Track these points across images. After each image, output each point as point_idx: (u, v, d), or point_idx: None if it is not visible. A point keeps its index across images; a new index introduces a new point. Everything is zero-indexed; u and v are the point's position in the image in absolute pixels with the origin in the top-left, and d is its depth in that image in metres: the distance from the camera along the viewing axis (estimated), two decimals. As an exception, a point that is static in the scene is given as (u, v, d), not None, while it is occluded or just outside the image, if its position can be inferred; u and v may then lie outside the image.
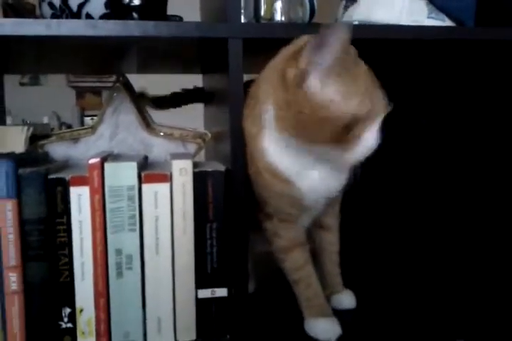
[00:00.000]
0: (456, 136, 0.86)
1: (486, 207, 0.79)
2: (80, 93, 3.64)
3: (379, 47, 0.75)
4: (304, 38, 0.61)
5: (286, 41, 0.65)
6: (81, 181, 0.62)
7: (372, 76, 0.60)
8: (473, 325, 0.75)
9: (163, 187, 0.64)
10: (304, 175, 0.64)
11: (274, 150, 0.64)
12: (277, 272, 0.83)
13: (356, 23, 0.69)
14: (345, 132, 0.57)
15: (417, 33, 0.66)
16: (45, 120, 2.73)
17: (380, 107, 0.59)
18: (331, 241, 0.78)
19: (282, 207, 0.68)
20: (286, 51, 0.62)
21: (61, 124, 3.21)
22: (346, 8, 0.74)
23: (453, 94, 0.87)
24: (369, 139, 0.59)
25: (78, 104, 3.61)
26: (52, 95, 3.60)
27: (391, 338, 0.71)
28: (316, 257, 0.77)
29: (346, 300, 0.78)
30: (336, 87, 0.57)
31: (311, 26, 0.66)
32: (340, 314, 0.72)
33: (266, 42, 0.65)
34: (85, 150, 0.79)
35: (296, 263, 0.71)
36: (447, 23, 0.70)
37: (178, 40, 0.62)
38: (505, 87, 0.73)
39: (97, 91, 3.58)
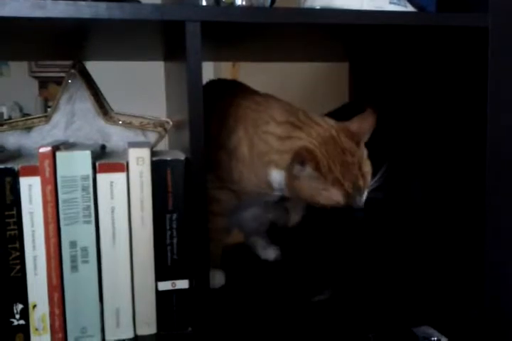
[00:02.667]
0: (417, 124, 0.86)
1: (448, 204, 0.79)
2: (43, 83, 3.53)
3: (341, 33, 0.74)
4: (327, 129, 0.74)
5: (246, 26, 0.64)
6: (31, 171, 0.59)
7: (356, 156, 0.74)
8: (437, 311, 0.75)
9: (119, 177, 0.61)
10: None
11: (275, 175, 0.76)
12: (248, 265, 0.83)
13: (318, 7, 0.67)
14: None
15: (379, 19, 0.65)
16: (4, 110, 2.63)
17: (364, 186, 0.74)
18: None
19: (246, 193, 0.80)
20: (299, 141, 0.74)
21: (23, 115, 3.11)
22: (309, -7, 0.72)
23: (414, 79, 0.86)
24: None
25: (41, 94, 3.51)
26: (14, 85, 3.48)
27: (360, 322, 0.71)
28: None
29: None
30: (321, 187, 0.71)
31: (271, 11, 0.65)
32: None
33: (225, 26, 0.63)
34: (39, 140, 0.76)
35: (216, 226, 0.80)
36: (409, 8, 0.69)
37: (133, 23, 0.59)
38: (465, 73, 0.73)
39: (60, 82, 3.48)
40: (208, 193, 0.79)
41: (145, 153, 0.62)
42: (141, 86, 1.87)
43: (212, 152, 0.79)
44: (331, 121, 0.77)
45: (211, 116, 0.82)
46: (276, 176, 0.76)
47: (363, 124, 0.75)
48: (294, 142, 0.74)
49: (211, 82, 0.96)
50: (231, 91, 0.87)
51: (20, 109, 3.25)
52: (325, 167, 0.71)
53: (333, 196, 0.71)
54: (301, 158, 0.70)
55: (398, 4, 0.69)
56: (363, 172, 0.73)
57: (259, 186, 0.79)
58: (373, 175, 0.74)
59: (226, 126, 0.80)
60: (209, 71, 2.26)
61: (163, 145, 0.84)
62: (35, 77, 3.59)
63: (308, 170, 0.70)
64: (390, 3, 0.68)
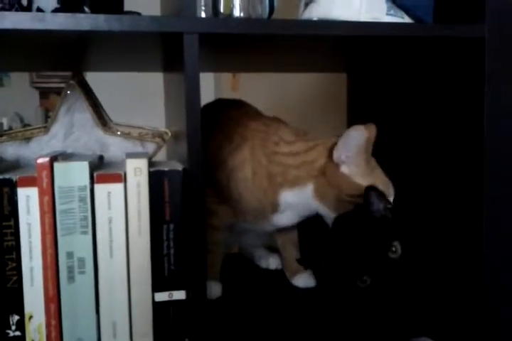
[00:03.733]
0: (414, 134, 0.86)
1: (445, 217, 0.79)
2: (44, 94, 3.55)
3: (338, 44, 0.74)
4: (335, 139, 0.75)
5: (244, 37, 0.64)
6: (29, 182, 0.59)
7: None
8: (436, 322, 0.75)
9: (116, 188, 0.61)
10: (290, 211, 0.80)
11: (289, 200, 0.77)
12: (246, 275, 0.82)
13: (316, 19, 0.68)
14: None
15: (376, 30, 0.65)
16: (4, 120, 2.64)
17: (391, 191, 0.76)
18: (293, 234, 0.91)
19: (247, 213, 0.81)
20: (329, 142, 0.76)
21: (24, 126, 3.13)
22: (307, 5, 0.73)
23: (411, 89, 0.87)
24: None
25: (42, 105, 3.52)
26: (15, 96, 3.50)
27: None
28: (279, 249, 0.92)
29: (308, 278, 0.88)
30: (362, 173, 0.73)
31: (269, 23, 0.65)
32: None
33: (223, 37, 0.63)
34: (38, 150, 0.76)
35: (215, 239, 0.83)
36: (406, 19, 0.70)
37: (132, 35, 0.60)
38: (463, 83, 0.73)
39: (61, 92, 3.50)
40: (207, 207, 0.80)
41: (142, 164, 0.62)
42: (141, 97, 1.88)
43: (213, 169, 0.80)
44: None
45: (214, 134, 0.83)
46: (288, 196, 0.77)
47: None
48: (311, 152, 0.76)
49: (217, 101, 0.97)
50: (237, 112, 0.88)
51: (21, 120, 3.27)
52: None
53: (376, 182, 0.72)
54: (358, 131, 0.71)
55: (395, 15, 0.69)
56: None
57: (260, 207, 0.79)
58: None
59: (230, 145, 0.81)
60: (209, 82, 2.27)
61: (161, 156, 0.84)
62: (36, 88, 3.62)
63: (361, 149, 0.72)
64: (387, 14, 0.69)
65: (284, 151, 0.78)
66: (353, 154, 0.72)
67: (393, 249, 0.67)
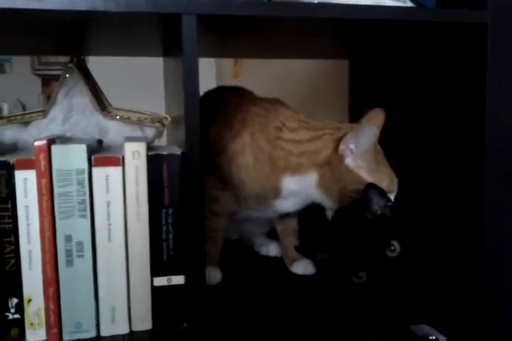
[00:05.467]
0: (416, 121, 0.85)
1: (445, 203, 0.79)
2: (46, 81, 3.54)
3: (339, 28, 0.73)
4: (352, 126, 0.74)
5: (244, 19, 0.63)
6: (27, 164, 0.59)
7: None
8: (436, 309, 0.75)
9: (114, 171, 0.61)
10: (292, 198, 0.79)
11: (291, 187, 0.76)
12: (246, 262, 0.82)
13: (316, 1, 0.67)
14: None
15: (377, 13, 0.64)
16: (5, 107, 2.64)
17: (395, 187, 0.75)
18: (293, 221, 0.91)
19: (249, 199, 0.81)
20: (337, 133, 0.74)
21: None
22: (308, -13, 0.72)
23: (413, 75, 0.86)
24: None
25: (44, 92, 3.52)
26: (17, 83, 3.49)
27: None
28: (279, 236, 0.92)
29: (307, 266, 0.88)
30: (367, 168, 0.71)
31: (270, 5, 0.64)
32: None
33: (223, 19, 0.62)
34: (37, 134, 0.76)
35: (216, 225, 0.83)
36: (408, 4, 0.68)
37: (128, 16, 0.59)
38: (464, 69, 0.72)
39: (63, 79, 3.49)
40: (209, 193, 0.80)
41: (141, 147, 0.62)
42: (141, 82, 1.87)
43: (214, 156, 0.79)
44: (345, 125, 0.77)
45: (215, 121, 0.82)
46: (290, 183, 0.76)
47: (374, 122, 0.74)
48: (316, 143, 0.75)
49: (218, 88, 0.96)
50: (238, 97, 0.87)
51: (23, 107, 3.26)
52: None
53: (382, 178, 0.71)
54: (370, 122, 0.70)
55: (397, 0, 0.68)
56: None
57: (262, 193, 0.79)
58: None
59: (230, 131, 0.80)
60: (211, 69, 2.26)
61: (163, 143, 0.84)
62: (38, 75, 3.60)
63: (368, 141, 0.70)
64: (390, -2, 0.68)
65: (287, 138, 0.77)
66: (362, 149, 0.71)
67: (392, 247, 0.67)
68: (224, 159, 0.79)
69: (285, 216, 0.89)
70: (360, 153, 0.71)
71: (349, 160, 0.71)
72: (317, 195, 0.75)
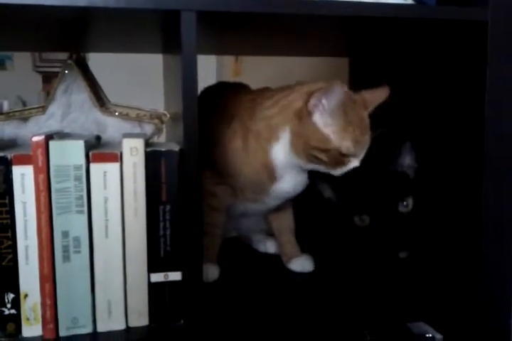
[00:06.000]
0: (416, 117, 0.85)
1: (444, 201, 0.79)
2: (47, 78, 3.54)
3: (340, 25, 0.73)
4: (320, 85, 0.73)
5: (244, 16, 0.63)
6: (24, 160, 0.59)
7: (365, 120, 0.74)
8: (432, 307, 0.75)
9: (112, 167, 0.61)
10: (287, 177, 0.78)
11: (282, 157, 0.75)
12: (244, 259, 0.82)
13: (316, -1, 0.67)
14: (336, 159, 0.72)
15: (378, 11, 0.64)
16: (5, 104, 2.64)
17: (359, 152, 0.73)
18: (289, 217, 0.91)
19: (245, 189, 0.80)
20: (306, 88, 0.74)
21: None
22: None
23: (413, 73, 0.86)
24: (352, 165, 0.74)
25: (45, 89, 3.51)
26: (18, 80, 3.49)
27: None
28: (274, 233, 0.92)
29: (305, 263, 0.87)
30: (334, 127, 0.70)
31: (269, 1, 0.64)
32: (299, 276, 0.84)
33: (222, 16, 0.62)
34: (36, 130, 0.76)
35: (214, 220, 0.83)
36: (409, 1, 0.68)
37: (128, 12, 0.59)
38: (465, 67, 0.72)
39: (63, 76, 3.48)
40: (206, 188, 0.80)
41: (139, 144, 0.62)
42: (141, 78, 1.87)
43: (210, 150, 0.80)
44: (320, 83, 0.76)
45: (211, 116, 0.82)
46: (278, 153, 0.75)
47: (375, 95, 0.76)
48: (289, 96, 0.74)
49: (218, 84, 0.96)
50: (234, 91, 0.87)
51: (24, 104, 3.25)
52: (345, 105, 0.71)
53: (345, 139, 0.70)
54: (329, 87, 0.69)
55: (398, -3, 0.68)
56: (368, 131, 0.74)
57: (255, 179, 0.79)
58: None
59: (223, 122, 0.81)
60: (212, 65, 2.26)
61: (162, 139, 0.84)
62: (39, 72, 3.60)
63: (339, 100, 0.69)
64: (390, -4, 0.68)
65: (267, 105, 0.77)
66: (331, 107, 0.70)
67: (405, 203, 0.65)
68: (218, 150, 0.80)
69: (280, 211, 0.89)
70: (330, 111, 0.70)
71: (317, 117, 0.71)
72: (296, 161, 0.75)
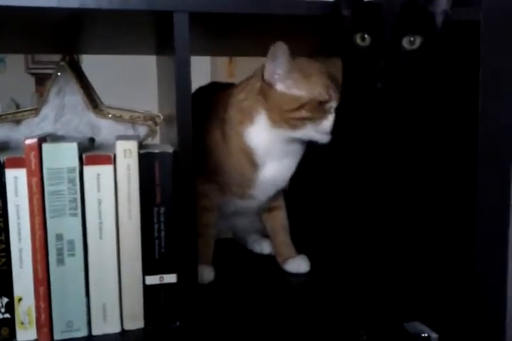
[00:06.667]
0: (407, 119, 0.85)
1: (438, 203, 0.79)
2: (40, 80, 3.52)
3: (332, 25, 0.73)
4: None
5: (236, 17, 0.63)
6: (17, 163, 0.59)
7: (325, 73, 0.76)
8: (428, 307, 0.75)
9: (106, 170, 0.61)
10: (269, 164, 0.79)
11: (258, 140, 0.77)
12: (239, 260, 0.82)
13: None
14: (317, 111, 0.73)
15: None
16: (-1, 106, 2.64)
17: (333, 94, 0.75)
18: (282, 216, 0.91)
19: (231, 183, 0.81)
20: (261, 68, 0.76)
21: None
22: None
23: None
24: (332, 115, 0.75)
25: (38, 91, 3.49)
26: (10, 82, 3.47)
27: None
28: (269, 233, 0.92)
29: (300, 264, 0.87)
30: (298, 84, 0.73)
31: (261, 2, 0.64)
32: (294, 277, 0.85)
33: (215, 17, 0.62)
34: (28, 133, 0.75)
35: (206, 221, 0.82)
36: (402, 1, 0.68)
37: (121, 13, 0.59)
38: (457, 66, 0.72)
39: (57, 77, 3.46)
40: (197, 188, 0.80)
41: (132, 146, 0.61)
42: (134, 80, 1.86)
43: (198, 148, 0.80)
44: None
45: (200, 115, 0.82)
46: (255, 134, 0.77)
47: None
48: (252, 80, 0.78)
49: (210, 84, 0.96)
50: (221, 90, 0.87)
51: (17, 106, 3.23)
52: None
53: (314, 88, 0.73)
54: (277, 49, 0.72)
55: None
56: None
57: (238, 169, 0.79)
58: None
59: (207, 120, 0.82)
60: (206, 67, 2.26)
61: (156, 141, 0.84)
62: (32, 74, 3.58)
63: (284, 59, 0.72)
64: (383, -4, 0.67)
65: (235, 92, 0.80)
66: (282, 69, 0.73)
67: (412, 38, 0.64)
68: (204, 148, 0.80)
69: (274, 210, 0.89)
70: (283, 73, 0.73)
71: (278, 84, 0.73)
72: (277, 137, 0.76)
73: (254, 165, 0.78)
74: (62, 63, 0.76)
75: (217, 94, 0.86)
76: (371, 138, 0.77)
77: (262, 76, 0.74)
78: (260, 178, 0.80)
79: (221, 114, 0.80)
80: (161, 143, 0.86)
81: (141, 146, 0.64)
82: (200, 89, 0.93)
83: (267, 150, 0.78)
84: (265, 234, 0.97)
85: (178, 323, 0.65)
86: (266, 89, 0.74)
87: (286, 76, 0.73)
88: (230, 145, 0.78)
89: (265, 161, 0.78)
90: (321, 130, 0.74)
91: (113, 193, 0.61)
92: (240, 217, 0.92)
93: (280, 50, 0.72)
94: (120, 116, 0.78)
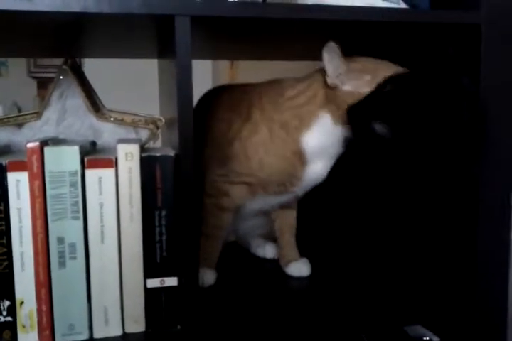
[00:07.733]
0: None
1: (439, 206, 0.79)
2: (42, 83, 3.53)
3: (333, 29, 0.73)
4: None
5: (238, 21, 0.63)
6: (19, 166, 0.59)
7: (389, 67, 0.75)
8: (430, 310, 0.75)
9: (107, 173, 0.61)
10: (317, 161, 0.78)
11: (314, 142, 0.76)
12: (241, 264, 0.82)
13: (310, 3, 0.67)
14: None
15: (371, 15, 0.64)
16: (0, 109, 2.64)
17: (395, 68, 0.75)
18: (292, 216, 0.91)
19: (274, 181, 0.79)
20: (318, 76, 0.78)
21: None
22: (302, -11, 0.72)
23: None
24: None
25: (39, 94, 3.50)
26: (12, 86, 3.48)
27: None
28: (276, 232, 0.92)
29: (302, 267, 0.88)
30: (359, 80, 0.72)
31: (263, 6, 0.64)
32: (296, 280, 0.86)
33: (216, 21, 0.62)
34: (30, 136, 0.75)
35: (221, 222, 0.82)
36: (402, 5, 0.69)
37: (122, 17, 0.59)
38: (458, 69, 0.72)
39: (58, 81, 3.47)
40: (218, 187, 0.79)
41: (134, 149, 0.62)
42: (136, 84, 1.87)
43: (225, 146, 0.79)
44: None
45: (218, 114, 0.82)
46: (310, 138, 0.76)
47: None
48: (312, 89, 0.76)
49: (218, 87, 0.96)
50: (239, 88, 0.87)
51: (19, 110, 3.24)
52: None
53: (376, 77, 0.72)
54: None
55: (391, 1, 0.68)
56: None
57: (284, 168, 0.78)
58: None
59: (241, 117, 0.80)
60: (207, 70, 2.26)
61: (158, 145, 0.84)
62: (34, 78, 3.59)
63: (338, 59, 0.72)
64: (383, 0, 0.68)
65: (290, 95, 0.78)
66: (342, 68, 0.72)
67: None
68: (238, 145, 0.79)
69: (286, 208, 0.89)
70: (346, 74, 0.72)
71: (345, 85, 0.73)
72: (338, 133, 0.75)
73: (304, 163, 0.78)
74: (64, 67, 0.76)
75: (240, 92, 0.85)
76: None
77: (325, 84, 0.74)
78: (306, 174, 0.79)
79: (267, 112, 0.78)
80: (163, 147, 0.86)
81: (142, 150, 0.64)
82: (212, 90, 0.92)
83: (321, 150, 0.77)
84: (269, 238, 0.97)
85: (179, 326, 0.65)
86: (331, 93, 0.74)
87: (348, 76, 0.73)
88: (280, 147, 0.77)
89: (315, 159, 0.78)
90: None
91: (114, 196, 0.61)
92: (246, 221, 0.92)
93: (333, 51, 0.72)
94: (122, 120, 0.78)
